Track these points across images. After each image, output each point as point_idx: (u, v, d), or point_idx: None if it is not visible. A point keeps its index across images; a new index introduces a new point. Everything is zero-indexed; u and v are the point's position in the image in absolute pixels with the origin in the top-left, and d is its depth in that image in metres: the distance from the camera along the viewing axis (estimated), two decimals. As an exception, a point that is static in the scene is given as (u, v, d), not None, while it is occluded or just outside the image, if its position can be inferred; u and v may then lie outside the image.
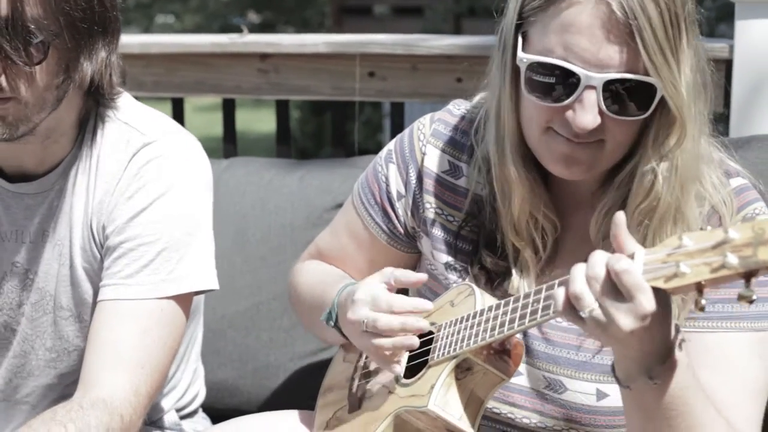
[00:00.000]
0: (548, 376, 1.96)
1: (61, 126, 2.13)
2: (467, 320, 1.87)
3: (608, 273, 1.59)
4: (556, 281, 1.70)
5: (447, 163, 2.06)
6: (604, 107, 1.77)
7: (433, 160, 2.07)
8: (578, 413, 1.95)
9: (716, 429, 1.75)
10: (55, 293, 2.21)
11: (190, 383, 2.52)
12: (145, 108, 2.24)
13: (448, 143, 2.06)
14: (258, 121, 8.52)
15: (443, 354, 1.88)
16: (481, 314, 1.84)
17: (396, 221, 2.12)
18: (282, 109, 3.73)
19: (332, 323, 2.04)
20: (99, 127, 2.16)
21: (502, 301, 1.82)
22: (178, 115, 3.78)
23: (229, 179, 2.97)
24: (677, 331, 1.67)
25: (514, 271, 1.96)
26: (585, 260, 1.85)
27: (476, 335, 1.83)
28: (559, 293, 1.65)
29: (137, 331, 2.08)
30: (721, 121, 3.02)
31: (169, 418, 2.46)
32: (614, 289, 1.59)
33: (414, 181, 2.08)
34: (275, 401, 2.83)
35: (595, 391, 1.93)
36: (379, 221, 2.14)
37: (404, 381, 1.95)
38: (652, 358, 1.65)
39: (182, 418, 2.51)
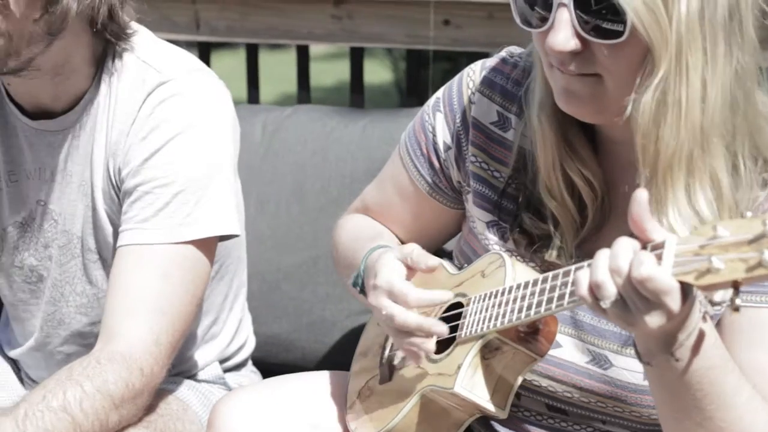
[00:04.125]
0: (593, 349, 1.82)
1: (70, 62, 2.05)
2: (495, 297, 1.74)
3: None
4: (585, 263, 1.54)
5: (495, 114, 1.91)
6: (578, 26, 1.61)
7: (481, 110, 1.92)
8: (623, 391, 1.81)
9: (753, 413, 1.60)
10: (81, 235, 2.15)
11: (235, 334, 2.44)
12: (167, 46, 2.15)
13: (499, 92, 1.91)
14: (334, 70, 8.46)
15: (470, 332, 1.76)
16: (510, 292, 1.71)
17: (442, 174, 2.00)
18: (356, 57, 3.63)
19: (358, 288, 1.94)
20: (117, 66, 2.09)
21: (531, 281, 1.68)
22: (252, 62, 3.72)
23: (290, 127, 2.87)
24: (702, 307, 1.52)
25: (553, 237, 1.81)
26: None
27: (503, 315, 1.71)
28: (582, 278, 1.51)
29: (156, 277, 2.01)
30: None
31: (212, 370, 2.39)
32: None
33: (461, 132, 1.95)
34: (330, 358, 2.74)
35: (642, 368, 1.79)
36: (425, 174, 2.02)
37: (433, 356, 1.83)
38: (673, 336, 1.51)
39: (227, 371, 2.43)
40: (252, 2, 3.52)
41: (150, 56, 2.09)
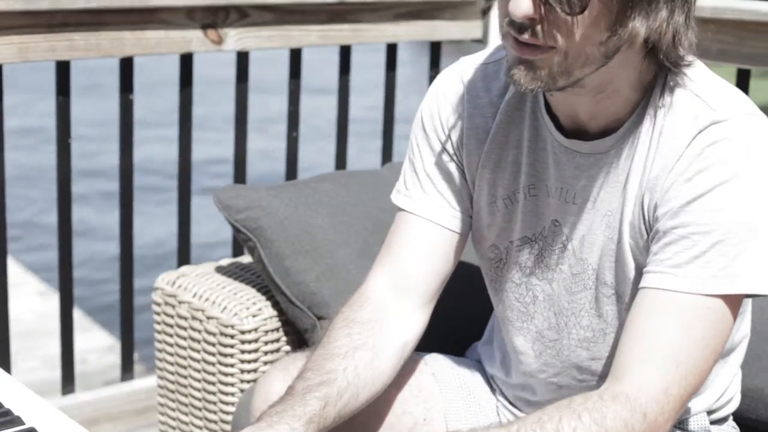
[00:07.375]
0: None
1: (614, 82, 1.94)
2: None
3: None
4: None
5: None
6: None
7: None
8: None
9: None
10: (598, 267, 2.05)
11: (728, 387, 2.28)
12: (722, 82, 2.00)
13: None
14: None
15: None
16: None
17: None
18: None
19: None
20: (666, 96, 1.95)
21: None
22: (741, 89, 3.48)
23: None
24: None
25: None
26: None
27: None
28: None
29: (677, 327, 1.89)
30: None
31: (698, 421, 2.23)
32: None
33: None
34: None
35: None
36: None
37: None
38: None
39: (712, 422, 2.27)
40: (750, 27, 3.29)
41: (704, 91, 1.95)
